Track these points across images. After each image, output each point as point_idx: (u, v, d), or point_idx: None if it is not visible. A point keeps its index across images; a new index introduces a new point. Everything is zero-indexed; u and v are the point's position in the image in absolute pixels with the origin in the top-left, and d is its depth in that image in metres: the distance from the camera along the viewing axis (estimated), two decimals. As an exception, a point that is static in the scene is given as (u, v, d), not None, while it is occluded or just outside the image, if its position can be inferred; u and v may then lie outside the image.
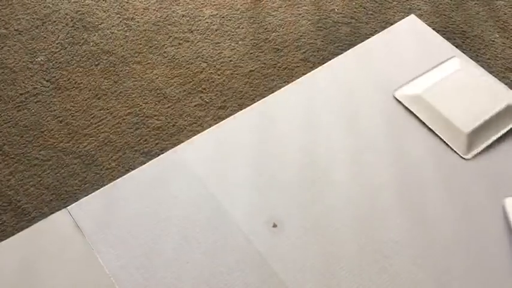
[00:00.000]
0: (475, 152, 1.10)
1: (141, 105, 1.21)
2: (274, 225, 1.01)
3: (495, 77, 1.29)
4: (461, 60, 1.24)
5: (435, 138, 1.12)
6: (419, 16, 1.41)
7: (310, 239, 0.99)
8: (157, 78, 1.26)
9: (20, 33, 1.33)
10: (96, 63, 1.28)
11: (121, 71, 1.27)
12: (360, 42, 1.29)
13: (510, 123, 1.13)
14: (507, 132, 1.12)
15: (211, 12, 1.41)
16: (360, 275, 0.95)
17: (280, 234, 1.00)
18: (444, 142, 1.11)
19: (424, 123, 1.14)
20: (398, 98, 1.18)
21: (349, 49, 1.32)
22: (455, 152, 1.10)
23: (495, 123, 1.12)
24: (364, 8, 1.45)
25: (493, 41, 1.40)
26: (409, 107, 1.16)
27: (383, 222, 1.02)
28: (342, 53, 1.31)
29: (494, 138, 1.11)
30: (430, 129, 1.13)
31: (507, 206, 1.03)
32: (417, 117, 1.15)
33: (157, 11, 1.40)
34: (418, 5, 1.46)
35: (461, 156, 1.10)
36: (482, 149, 1.10)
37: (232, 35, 1.37)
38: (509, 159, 1.09)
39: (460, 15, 1.46)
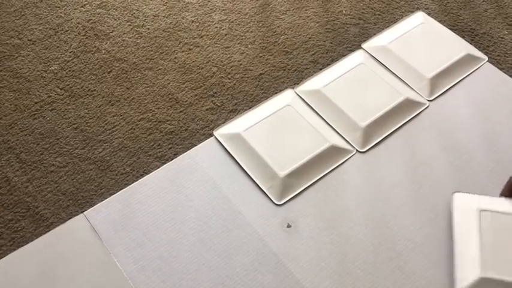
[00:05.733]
0: (435, 95, 1.24)
1: (153, 111, 1.22)
2: (289, 226, 1.02)
3: (505, 74, 1.29)
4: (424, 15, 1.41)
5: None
6: (428, 15, 1.42)
7: (325, 238, 1.00)
8: (168, 83, 1.28)
9: (33, 43, 1.35)
10: (109, 70, 1.30)
11: (133, 77, 1.29)
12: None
13: (468, 71, 1.29)
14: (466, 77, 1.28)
15: (220, 17, 1.43)
16: (375, 273, 0.96)
17: (294, 234, 1.01)
18: (412, 88, 1.25)
19: (392, 72, 1.28)
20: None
21: (359, 49, 1.33)
22: (419, 94, 1.24)
23: (455, 70, 1.28)
24: (372, 9, 1.46)
25: (502, 37, 1.39)
26: (377, 57, 1.31)
27: (396, 220, 1.03)
28: (350, 54, 1.32)
29: (454, 82, 1.27)
30: (398, 77, 1.26)
31: (454, 201, 1.03)
32: (385, 66, 1.29)
33: (167, 17, 1.42)
34: (425, 4, 1.47)
35: (426, 98, 1.23)
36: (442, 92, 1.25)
37: (242, 39, 1.38)
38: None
39: (468, 13, 1.46)
